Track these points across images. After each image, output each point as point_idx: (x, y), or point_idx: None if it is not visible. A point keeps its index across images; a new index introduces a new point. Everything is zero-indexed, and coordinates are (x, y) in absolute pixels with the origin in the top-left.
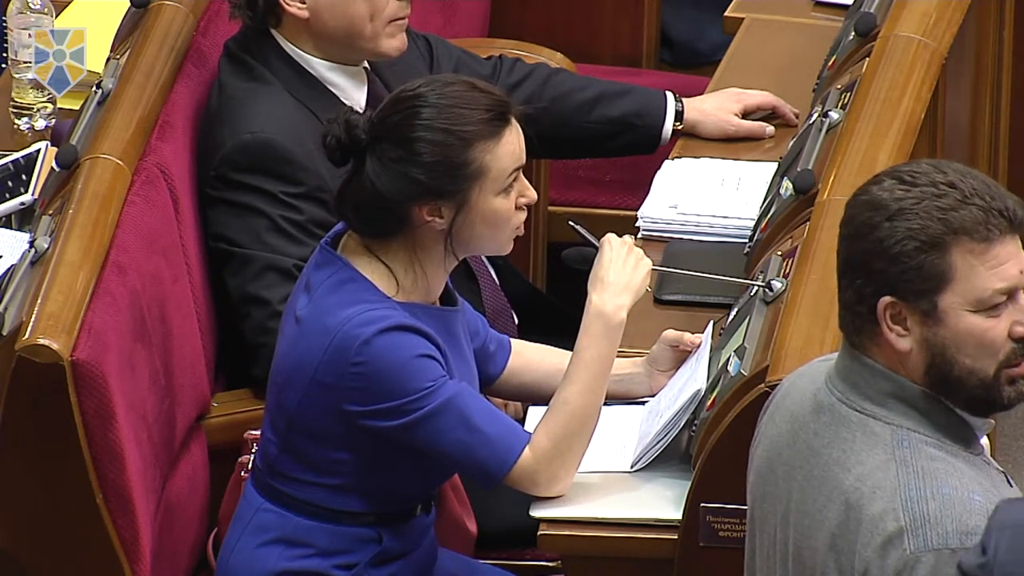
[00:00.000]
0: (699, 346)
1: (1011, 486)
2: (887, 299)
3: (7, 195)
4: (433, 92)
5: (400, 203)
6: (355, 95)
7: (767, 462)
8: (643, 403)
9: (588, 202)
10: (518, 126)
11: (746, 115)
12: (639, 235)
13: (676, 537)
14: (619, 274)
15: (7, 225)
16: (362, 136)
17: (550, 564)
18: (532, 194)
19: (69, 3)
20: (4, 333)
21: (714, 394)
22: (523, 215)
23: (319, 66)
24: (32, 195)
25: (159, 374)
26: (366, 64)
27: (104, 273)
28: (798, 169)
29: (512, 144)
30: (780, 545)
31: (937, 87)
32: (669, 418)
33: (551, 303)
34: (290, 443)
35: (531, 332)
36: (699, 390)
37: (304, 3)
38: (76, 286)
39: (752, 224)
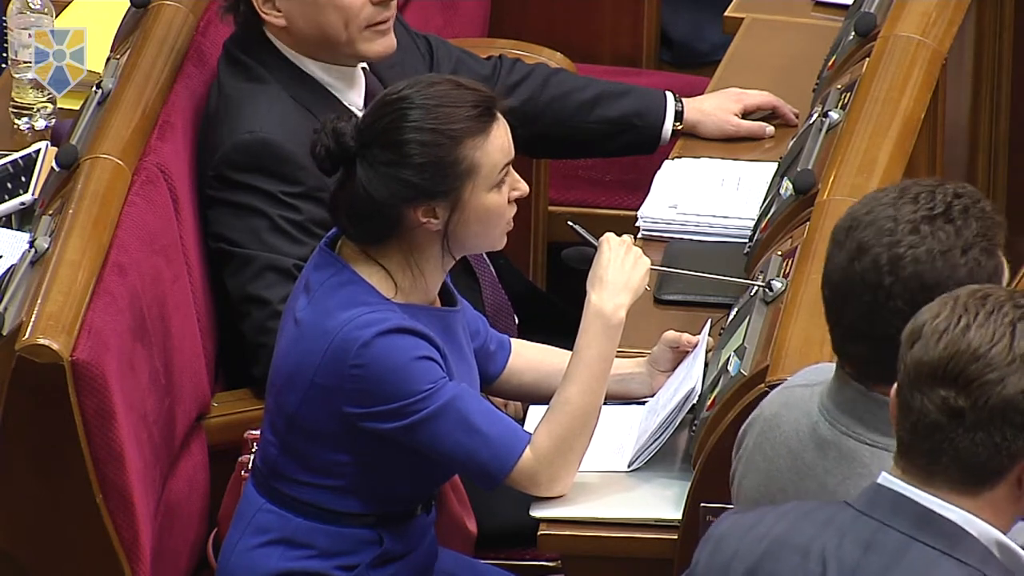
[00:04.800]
0: (696, 345)
1: None
2: None
3: (7, 195)
4: (419, 93)
5: (394, 206)
6: (351, 95)
7: (767, 497)
8: (643, 403)
9: (588, 202)
10: (504, 120)
11: (746, 115)
12: (639, 235)
13: (676, 537)
14: (618, 273)
15: (7, 225)
16: (350, 143)
17: (550, 564)
18: (524, 187)
19: (69, 3)
20: (4, 333)
21: (714, 394)
22: (515, 209)
23: (313, 67)
24: (32, 195)
25: (159, 374)
26: (364, 64)
27: (104, 273)
28: (798, 169)
29: (501, 139)
30: None
31: (937, 87)
32: (664, 417)
33: (552, 302)
34: (290, 444)
35: (532, 331)
36: (692, 389)
37: (280, 12)
38: (76, 286)
39: (752, 224)
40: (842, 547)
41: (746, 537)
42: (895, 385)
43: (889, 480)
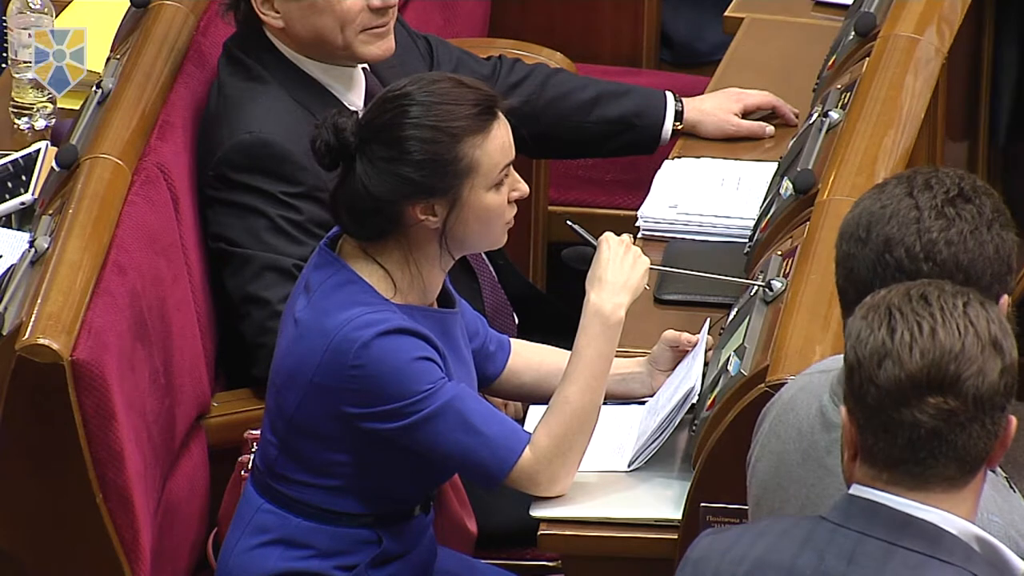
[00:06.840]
0: (695, 345)
1: (1013, 490)
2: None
3: (7, 195)
4: (420, 90)
5: (393, 203)
6: (351, 96)
7: (775, 479)
8: (643, 403)
9: (588, 202)
10: (505, 120)
11: (746, 115)
12: (639, 235)
13: (676, 537)
14: (617, 273)
15: (7, 225)
16: (351, 139)
17: (550, 564)
18: (524, 187)
19: (69, 3)
20: (4, 333)
21: (714, 394)
22: (514, 209)
23: (312, 67)
24: (32, 195)
25: (159, 374)
26: (365, 64)
27: (104, 273)
28: (798, 169)
29: (501, 138)
30: None
31: (937, 87)
32: (663, 417)
33: (551, 302)
34: (289, 444)
35: (531, 331)
36: (691, 388)
37: (278, 13)
38: (76, 286)
39: (752, 224)
40: (825, 562)
41: (724, 560)
42: (845, 410)
43: (861, 489)
